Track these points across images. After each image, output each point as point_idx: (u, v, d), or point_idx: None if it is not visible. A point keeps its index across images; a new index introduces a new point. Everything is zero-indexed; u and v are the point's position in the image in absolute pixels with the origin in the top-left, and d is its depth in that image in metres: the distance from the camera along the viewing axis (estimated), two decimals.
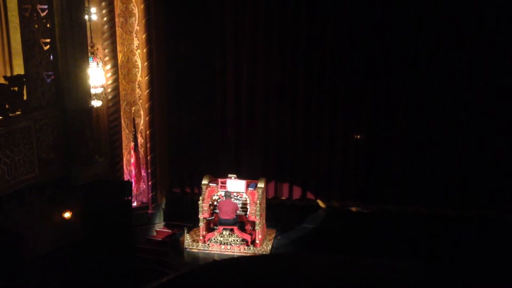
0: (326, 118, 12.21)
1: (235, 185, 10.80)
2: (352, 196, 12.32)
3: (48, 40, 9.17)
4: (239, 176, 10.95)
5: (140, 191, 11.98)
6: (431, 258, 9.96)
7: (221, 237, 10.67)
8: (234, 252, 10.56)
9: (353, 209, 12.35)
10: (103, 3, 10.60)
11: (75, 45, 9.33)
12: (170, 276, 6.91)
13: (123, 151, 11.70)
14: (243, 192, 10.77)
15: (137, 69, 11.54)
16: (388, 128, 11.96)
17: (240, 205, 10.79)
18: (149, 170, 11.88)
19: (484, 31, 11.16)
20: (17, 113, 8.81)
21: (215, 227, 10.84)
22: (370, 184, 12.16)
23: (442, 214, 11.75)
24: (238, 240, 10.63)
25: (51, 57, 9.28)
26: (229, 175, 10.94)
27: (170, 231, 11.75)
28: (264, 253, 10.49)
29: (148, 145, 11.80)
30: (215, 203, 10.84)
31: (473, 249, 10.33)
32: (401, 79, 11.69)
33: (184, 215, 11.90)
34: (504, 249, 10.24)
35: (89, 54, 9.95)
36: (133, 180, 11.69)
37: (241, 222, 10.86)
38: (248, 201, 10.71)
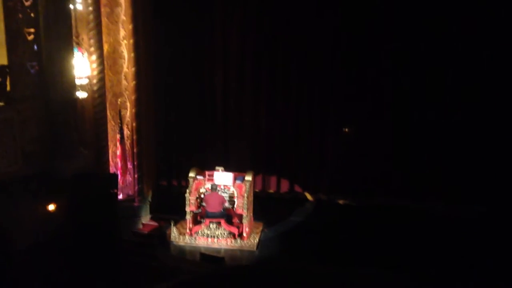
0: (315, 111, 12.18)
1: (223, 177, 10.75)
2: (340, 189, 12.33)
3: (32, 30, 9.01)
4: (227, 169, 10.90)
5: (126, 184, 11.86)
6: (418, 253, 10.00)
7: (208, 230, 10.63)
8: (221, 245, 10.52)
9: (341, 202, 12.37)
10: None
11: (59, 35, 9.19)
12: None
13: (109, 143, 11.56)
14: (230, 185, 10.72)
15: (123, 60, 11.36)
16: (377, 122, 11.96)
17: (227, 198, 10.75)
18: (135, 163, 11.76)
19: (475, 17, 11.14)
20: (0, 104, 8.66)
21: (202, 220, 10.79)
22: (358, 177, 12.17)
23: (430, 209, 11.78)
24: (225, 233, 10.59)
25: (35, 47, 9.11)
26: (217, 167, 10.88)
27: (156, 224, 11.66)
28: (251, 247, 10.46)
29: (134, 137, 11.66)
30: (202, 196, 10.79)
31: (459, 244, 10.38)
32: (390, 72, 11.67)
33: (171, 208, 11.81)
34: (491, 244, 10.30)
35: (74, 44, 9.79)
36: (119, 173, 11.58)
37: (228, 215, 10.81)
38: (235, 194, 10.66)
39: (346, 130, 12.30)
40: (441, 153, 11.81)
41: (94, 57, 10.74)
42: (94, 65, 10.78)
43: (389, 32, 11.46)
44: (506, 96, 11.30)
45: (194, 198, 10.70)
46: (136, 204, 11.86)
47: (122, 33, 11.23)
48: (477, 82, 11.34)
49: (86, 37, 10.52)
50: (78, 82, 9.99)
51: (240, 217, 10.66)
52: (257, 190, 12.13)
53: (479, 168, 11.62)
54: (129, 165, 11.79)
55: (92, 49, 10.69)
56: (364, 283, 8.76)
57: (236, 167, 11.22)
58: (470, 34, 11.18)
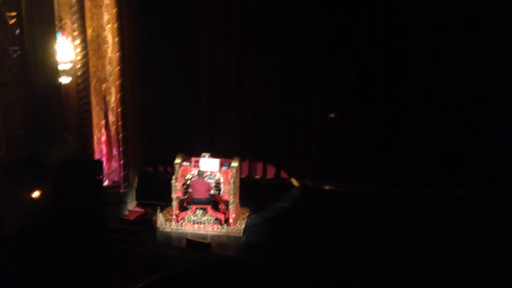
0: (301, 97, 12.17)
1: (209, 164, 10.72)
2: (325, 175, 12.37)
3: (14, 14, 8.81)
4: (213, 155, 10.87)
5: (111, 170, 11.78)
6: (402, 238, 10.10)
7: (194, 216, 10.62)
8: (207, 231, 10.52)
9: (326, 187, 12.41)
10: None
11: (42, 19, 9.00)
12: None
13: (94, 129, 11.43)
14: (216, 171, 10.70)
15: (107, 45, 11.22)
16: (362, 108, 11.99)
17: (214, 184, 10.73)
18: (120, 149, 11.66)
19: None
20: None
21: (188, 206, 10.77)
22: (344, 163, 12.21)
23: (416, 193, 11.88)
24: (212, 219, 10.60)
25: (17, 31, 8.93)
26: (203, 154, 10.84)
27: (142, 210, 11.63)
28: (238, 232, 10.48)
29: (119, 123, 11.54)
30: (189, 182, 10.76)
31: (445, 228, 10.50)
32: (375, 59, 11.68)
33: (157, 194, 11.76)
34: (476, 228, 10.44)
35: (57, 28, 9.62)
36: (104, 159, 11.48)
37: (214, 201, 10.81)
38: (221, 180, 10.65)
39: (332, 115, 12.31)
40: (427, 138, 11.90)
41: (77, 41, 10.56)
42: (78, 50, 10.60)
43: (379, 17, 11.48)
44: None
45: (180, 184, 10.67)
46: (121, 190, 11.79)
47: (106, 17, 11.07)
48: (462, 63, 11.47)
49: (69, 21, 10.33)
50: (61, 67, 9.83)
51: (227, 203, 10.66)
52: (243, 176, 12.12)
53: (465, 152, 11.74)
54: (115, 151, 11.70)
55: (75, 33, 10.50)
56: (348, 273, 8.89)
57: (222, 153, 11.20)
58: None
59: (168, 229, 10.67)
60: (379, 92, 11.87)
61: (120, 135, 11.62)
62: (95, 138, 11.51)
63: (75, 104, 10.77)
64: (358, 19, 11.56)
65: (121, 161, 11.70)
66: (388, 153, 12.02)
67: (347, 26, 11.63)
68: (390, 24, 11.46)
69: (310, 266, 9.09)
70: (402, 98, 11.80)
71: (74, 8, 10.38)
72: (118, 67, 11.28)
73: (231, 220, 10.60)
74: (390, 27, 11.47)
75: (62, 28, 9.86)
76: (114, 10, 10.98)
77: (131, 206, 11.81)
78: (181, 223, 10.66)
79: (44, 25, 9.06)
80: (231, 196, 10.52)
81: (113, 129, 11.58)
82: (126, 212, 11.62)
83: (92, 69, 11.18)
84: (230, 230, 10.53)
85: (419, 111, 11.80)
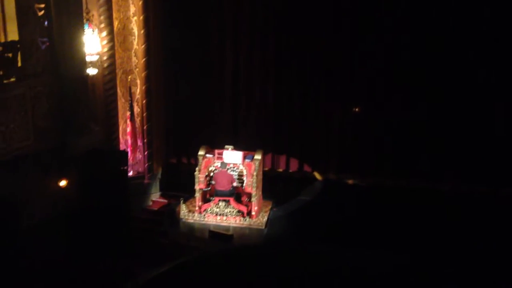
0: (323, 90, 12.11)
1: (232, 156, 10.78)
2: (348, 168, 12.30)
3: (42, 6, 8.97)
4: (236, 148, 10.91)
5: (136, 161, 11.91)
6: (423, 232, 10.03)
7: (217, 208, 10.71)
8: (230, 223, 10.59)
9: (350, 181, 12.35)
10: None
11: (70, 11, 9.13)
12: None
13: (119, 120, 11.58)
14: (239, 164, 10.74)
15: (133, 37, 11.32)
16: (385, 101, 11.87)
17: (237, 177, 10.78)
18: (145, 140, 11.79)
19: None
20: (12, 79, 8.67)
21: (211, 198, 10.85)
22: (366, 157, 12.13)
23: (437, 189, 11.73)
24: (234, 211, 10.66)
25: (46, 23, 9.08)
26: (226, 146, 10.90)
27: (166, 201, 11.76)
28: (260, 225, 10.53)
29: (144, 114, 11.67)
30: (212, 174, 10.83)
31: (467, 224, 10.38)
32: (397, 52, 11.53)
33: (180, 185, 11.87)
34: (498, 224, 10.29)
35: (84, 20, 9.75)
36: (129, 150, 11.62)
37: (237, 194, 10.87)
38: (244, 173, 10.69)
39: (357, 109, 12.22)
40: (450, 134, 11.73)
41: (104, 33, 10.68)
42: (105, 42, 10.73)
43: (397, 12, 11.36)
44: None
45: (204, 176, 10.76)
46: (146, 181, 11.92)
47: (132, 9, 11.17)
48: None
49: (96, 13, 10.46)
50: (88, 58, 9.97)
51: (249, 195, 10.71)
52: (266, 169, 12.14)
53: (486, 149, 11.53)
54: (139, 142, 11.83)
55: (102, 25, 10.63)
56: (368, 263, 8.86)
57: (245, 146, 11.23)
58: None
59: (191, 220, 10.79)
60: (401, 86, 11.71)
61: (145, 127, 11.74)
62: (120, 129, 11.66)
63: (101, 95, 10.93)
64: (378, 18, 11.44)
65: (146, 152, 11.83)
66: (410, 148, 11.88)
67: (367, 25, 11.51)
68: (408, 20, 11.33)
69: (332, 258, 9.09)
70: (427, 94, 11.62)
71: (101, 0, 10.51)
72: (144, 59, 11.39)
73: (253, 213, 10.65)
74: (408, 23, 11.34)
75: (89, 20, 9.99)
76: (140, 3, 11.07)
77: (155, 196, 11.95)
78: (204, 215, 10.76)
79: (72, 17, 9.19)
80: (254, 189, 10.56)
81: (138, 120, 11.71)
82: (150, 203, 11.78)
83: (118, 61, 11.32)
84: (252, 222, 10.58)
85: (443, 109, 11.59)
